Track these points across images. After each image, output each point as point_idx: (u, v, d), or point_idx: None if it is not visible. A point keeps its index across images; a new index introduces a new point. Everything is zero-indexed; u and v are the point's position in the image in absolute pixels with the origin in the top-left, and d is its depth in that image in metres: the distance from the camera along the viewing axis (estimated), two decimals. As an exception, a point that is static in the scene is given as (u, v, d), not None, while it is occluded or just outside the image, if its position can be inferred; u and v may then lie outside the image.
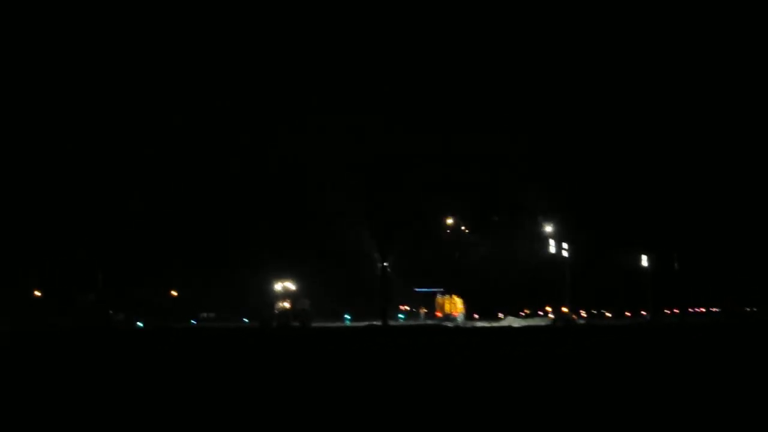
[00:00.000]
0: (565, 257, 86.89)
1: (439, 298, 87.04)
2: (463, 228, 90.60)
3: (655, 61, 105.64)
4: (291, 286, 76.16)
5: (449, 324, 70.26)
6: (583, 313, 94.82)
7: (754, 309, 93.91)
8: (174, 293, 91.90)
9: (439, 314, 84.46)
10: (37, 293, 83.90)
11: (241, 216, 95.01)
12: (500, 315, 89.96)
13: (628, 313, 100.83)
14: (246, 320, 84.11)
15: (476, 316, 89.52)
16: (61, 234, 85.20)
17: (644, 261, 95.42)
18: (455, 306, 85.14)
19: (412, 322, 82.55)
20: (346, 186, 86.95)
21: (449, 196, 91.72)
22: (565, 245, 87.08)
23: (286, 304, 73.73)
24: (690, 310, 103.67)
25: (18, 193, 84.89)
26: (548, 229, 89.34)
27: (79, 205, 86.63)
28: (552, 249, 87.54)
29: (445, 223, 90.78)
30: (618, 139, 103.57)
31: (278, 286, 76.02)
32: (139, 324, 76.94)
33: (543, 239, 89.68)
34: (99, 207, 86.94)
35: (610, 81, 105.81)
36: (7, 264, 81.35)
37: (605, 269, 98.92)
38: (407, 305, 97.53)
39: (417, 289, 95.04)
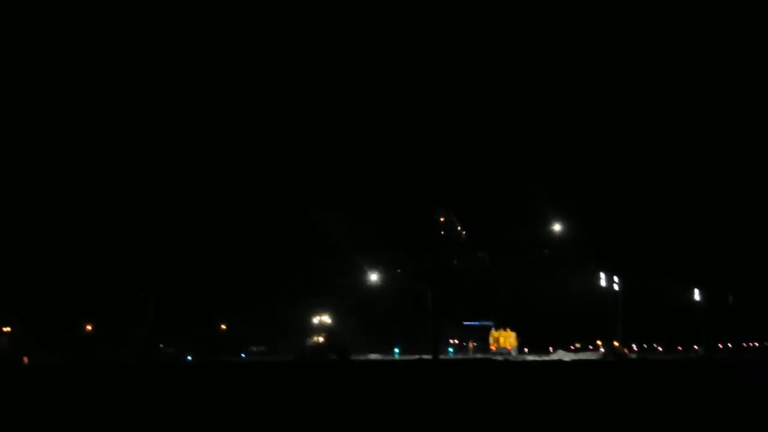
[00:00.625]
0: (616, 291, 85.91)
1: (493, 332, 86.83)
2: (459, 228, 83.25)
3: (661, 61, 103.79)
4: (327, 319, 75.58)
5: (499, 357, 69.82)
6: (635, 347, 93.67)
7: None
8: (223, 327, 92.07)
9: (493, 347, 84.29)
10: (89, 327, 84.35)
11: (278, 241, 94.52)
12: (550, 349, 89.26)
13: (679, 348, 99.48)
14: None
15: (526, 350, 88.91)
16: (112, 269, 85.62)
17: (697, 295, 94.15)
18: (509, 340, 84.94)
19: (461, 356, 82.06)
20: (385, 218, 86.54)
21: (449, 196, 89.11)
22: (616, 278, 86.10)
23: (320, 338, 73.15)
24: (744, 344, 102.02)
25: (63, 224, 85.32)
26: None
27: (127, 237, 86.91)
28: (603, 282, 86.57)
29: (438, 222, 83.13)
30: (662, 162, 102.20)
31: (315, 320, 75.56)
32: (189, 358, 77.26)
33: (594, 272, 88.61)
34: (148, 239, 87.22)
35: (616, 81, 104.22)
36: (59, 299, 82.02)
37: (657, 303, 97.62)
38: (456, 338, 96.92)
39: (466, 323, 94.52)
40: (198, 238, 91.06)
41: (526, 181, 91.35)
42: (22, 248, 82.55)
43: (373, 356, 76.61)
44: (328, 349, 70.90)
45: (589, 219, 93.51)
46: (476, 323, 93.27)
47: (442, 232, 79.59)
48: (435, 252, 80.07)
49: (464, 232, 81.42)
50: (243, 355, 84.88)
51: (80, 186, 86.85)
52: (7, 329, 74.16)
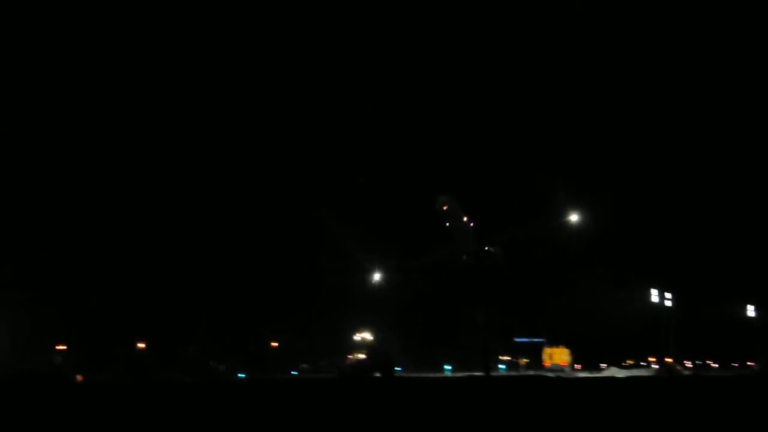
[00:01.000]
0: (668, 306, 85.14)
1: (547, 348, 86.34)
2: (465, 219, 76.18)
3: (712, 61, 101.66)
4: (368, 336, 75.34)
5: (551, 374, 69.37)
6: (688, 364, 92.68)
7: None
8: (274, 344, 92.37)
9: (546, 364, 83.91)
10: (141, 345, 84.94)
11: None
12: (602, 365, 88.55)
13: (735, 364, 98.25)
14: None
15: (578, 366, 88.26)
16: (162, 286, 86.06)
17: (750, 311, 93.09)
18: (562, 356, 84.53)
19: (513, 373, 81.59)
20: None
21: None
22: (668, 294, 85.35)
23: (362, 355, 72.85)
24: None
25: (114, 242, 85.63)
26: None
27: (178, 254, 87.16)
28: (655, 298, 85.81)
29: (440, 206, 76.50)
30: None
31: (357, 337, 75.39)
32: (241, 375, 77.64)
33: (644, 288, 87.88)
34: (199, 257, 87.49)
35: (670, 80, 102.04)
36: (113, 317, 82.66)
37: (710, 319, 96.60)
38: (507, 356, 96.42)
39: (517, 340, 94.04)
40: (244, 251, 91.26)
41: (559, 184, 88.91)
42: (74, 267, 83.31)
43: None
44: (371, 366, 70.48)
45: (639, 234, 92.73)
46: (527, 340, 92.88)
47: (447, 224, 76.06)
48: (443, 246, 77.28)
49: (472, 224, 76.54)
50: (294, 372, 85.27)
51: (129, 202, 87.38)
52: (62, 347, 74.89)
